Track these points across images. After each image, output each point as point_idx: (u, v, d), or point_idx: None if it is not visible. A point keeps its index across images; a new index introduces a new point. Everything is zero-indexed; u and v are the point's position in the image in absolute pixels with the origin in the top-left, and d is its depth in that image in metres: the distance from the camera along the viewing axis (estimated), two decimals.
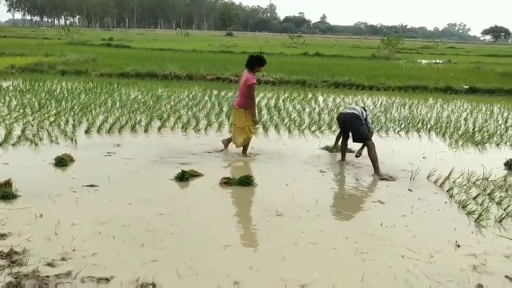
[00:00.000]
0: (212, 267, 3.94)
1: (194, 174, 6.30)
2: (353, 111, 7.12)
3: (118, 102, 11.37)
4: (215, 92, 13.91)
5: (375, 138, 8.88)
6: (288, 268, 4.00)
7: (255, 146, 8.00)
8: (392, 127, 9.91)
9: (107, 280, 3.67)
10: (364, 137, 6.97)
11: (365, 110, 7.32)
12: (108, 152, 7.30)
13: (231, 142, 7.71)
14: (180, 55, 26.35)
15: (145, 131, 8.83)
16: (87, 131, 8.52)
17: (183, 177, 6.11)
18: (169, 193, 5.69)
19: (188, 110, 10.86)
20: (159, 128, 8.99)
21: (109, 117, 9.67)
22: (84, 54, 23.52)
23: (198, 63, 20.77)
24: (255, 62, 7.33)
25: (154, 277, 3.72)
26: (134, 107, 10.82)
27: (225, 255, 4.19)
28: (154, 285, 3.61)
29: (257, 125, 7.97)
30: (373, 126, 7.43)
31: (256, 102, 12.01)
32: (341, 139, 7.47)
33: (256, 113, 7.65)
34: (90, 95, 12.35)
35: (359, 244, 4.49)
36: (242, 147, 7.55)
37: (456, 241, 4.62)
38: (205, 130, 9.11)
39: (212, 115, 10.34)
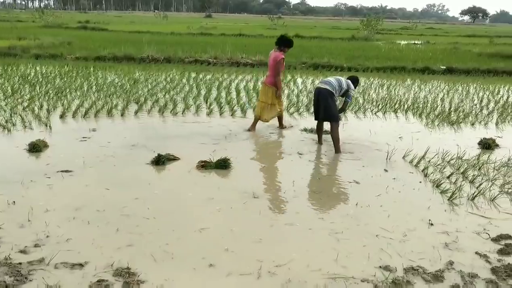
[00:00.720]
0: (187, 251, 3.94)
1: (171, 158, 6.26)
2: (326, 87, 6.80)
3: (94, 86, 11.20)
4: (193, 74, 13.79)
5: (353, 120, 8.97)
6: (264, 249, 4.02)
7: (232, 129, 7.98)
8: (370, 108, 9.98)
9: (81, 265, 3.64)
10: (331, 116, 6.81)
11: (349, 82, 6.99)
12: (83, 137, 7.20)
13: (258, 122, 8.01)
14: (158, 38, 25.94)
15: (122, 115, 8.72)
16: (62, 116, 8.37)
17: (159, 161, 6.07)
18: (145, 177, 5.64)
19: (165, 93, 10.74)
20: (136, 112, 8.88)
21: (84, 101, 9.52)
22: (59, 37, 23.03)
23: (176, 46, 20.49)
24: (285, 42, 7.74)
25: (129, 261, 3.70)
26: (110, 91, 10.66)
27: (201, 238, 4.19)
28: (129, 269, 3.59)
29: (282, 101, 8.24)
30: (351, 102, 7.26)
31: (235, 85, 12.02)
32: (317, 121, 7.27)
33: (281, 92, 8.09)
34: (65, 79, 12.13)
35: (334, 224, 4.53)
36: (279, 123, 8.16)
37: (429, 220, 4.70)
38: (182, 113, 9.04)
39: (190, 98, 10.25)
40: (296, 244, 4.15)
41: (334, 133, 6.77)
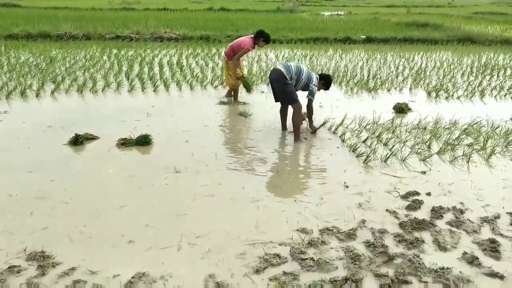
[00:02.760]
0: (106, 229, 3.88)
1: (90, 137, 6.07)
2: (280, 68, 6.21)
3: (6, 66, 10.51)
4: (114, 51, 13.30)
5: None
6: (185, 222, 4.05)
7: (155, 105, 7.85)
8: None
9: None
10: (288, 99, 6.32)
11: (312, 76, 6.32)
12: None
13: (230, 90, 8.37)
14: (77, 14, 24.64)
15: (37, 95, 8.28)
16: None
17: (77, 141, 5.87)
18: (62, 158, 5.44)
19: (85, 71, 10.31)
20: (52, 92, 8.47)
21: None
22: None
23: (96, 22, 19.58)
24: (261, 36, 7.83)
25: (43, 245, 3.59)
26: (24, 71, 10.06)
27: (121, 216, 4.14)
28: (43, 252, 3.49)
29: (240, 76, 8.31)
30: (314, 92, 6.33)
31: (158, 60, 11.75)
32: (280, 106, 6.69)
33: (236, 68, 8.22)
34: None
35: (255, 192, 4.63)
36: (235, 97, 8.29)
37: (345, 182, 4.92)
38: (102, 91, 8.73)
39: (111, 76, 9.91)
40: (217, 214, 4.20)
41: (294, 118, 6.26)
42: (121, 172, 5.09)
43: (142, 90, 8.87)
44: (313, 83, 6.28)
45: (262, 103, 8.14)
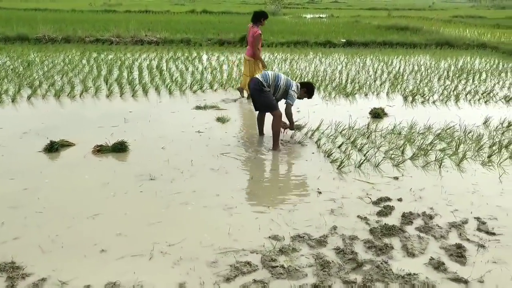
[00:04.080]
0: (79, 239, 3.88)
1: (65, 144, 6.05)
2: (258, 77, 6.26)
3: None
4: (94, 54, 13.24)
5: None
6: (158, 231, 4.06)
7: (133, 110, 7.83)
8: None
9: None
10: (267, 106, 6.30)
11: (290, 83, 6.27)
12: None
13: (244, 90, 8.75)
14: (56, 16, 24.45)
15: (13, 101, 8.21)
16: None
17: (53, 148, 5.84)
18: (36, 166, 5.41)
19: (63, 75, 10.24)
20: (29, 97, 8.41)
21: None
22: None
23: (76, 24, 19.44)
24: (259, 16, 8.45)
25: (14, 255, 3.58)
26: (1, 75, 9.96)
27: (94, 225, 4.14)
28: (13, 263, 3.48)
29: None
30: (293, 99, 6.23)
31: (138, 64, 11.72)
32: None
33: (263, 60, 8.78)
34: None
35: (230, 200, 4.67)
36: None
37: (318, 189, 4.99)
38: (80, 96, 8.69)
39: (89, 80, 9.86)
40: (190, 222, 4.23)
41: (273, 125, 6.21)
42: (96, 180, 5.09)
43: (121, 95, 8.84)
44: (292, 88, 6.24)
45: (240, 108, 8.19)
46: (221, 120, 7.42)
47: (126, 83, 9.64)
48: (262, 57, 8.84)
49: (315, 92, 6.91)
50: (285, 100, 6.31)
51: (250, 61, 8.56)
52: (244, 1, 56.73)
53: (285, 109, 6.30)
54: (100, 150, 5.86)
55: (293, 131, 6.69)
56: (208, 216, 4.36)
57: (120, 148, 5.90)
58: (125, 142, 6.00)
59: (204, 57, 13.61)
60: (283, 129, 6.44)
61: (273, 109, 6.24)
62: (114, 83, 9.58)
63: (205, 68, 11.73)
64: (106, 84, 9.53)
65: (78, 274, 3.41)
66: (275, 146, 6.19)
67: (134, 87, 9.27)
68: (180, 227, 4.14)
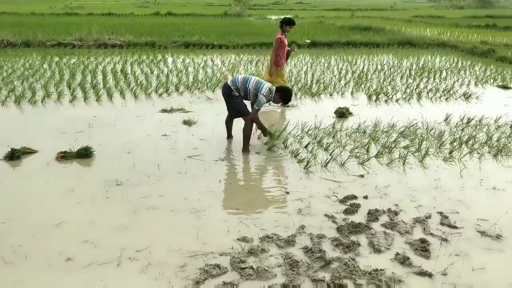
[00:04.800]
0: (43, 248, 3.80)
1: (27, 151, 5.89)
2: (228, 81, 6.21)
3: None
4: (56, 59, 12.93)
5: (213, 95, 9.08)
6: (126, 236, 4.02)
7: (97, 115, 7.70)
8: None
9: None
10: (237, 111, 6.29)
11: (261, 86, 6.05)
12: None
13: None
14: (15, 19, 23.76)
15: None
16: None
17: (14, 156, 5.68)
18: None
19: (23, 81, 9.96)
20: None
21: None
22: None
23: (37, 28, 18.93)
24: (284, 23, 8.64)
25: None
26: None
27: (59, 233, 4.05)
28: None
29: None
30: (260, 104, 6.05)
31: (102, 68, 11.52)
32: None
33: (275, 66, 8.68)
34: None
35: (197, 203, 4.65)
36: None
37: (286, 189, 5.03)
38: (42, 101, 8.47)
39: (51, 85, 9.63)
40: (158, 227, 4.20)
41: (244, 129, 6.15)
42: (60, 187, 4.98)
43: (84, 100, 8.67)
44: (262, 92, 6.00)
45: (207, 111, 8.16)
46: (187, 123, 7.38)
47: (90, 87, 9.47)
48: (275, 65, 8.58)
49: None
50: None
51: (271, 66, 8.59)
52: (209, 3, 56.58)
53: (250, 115, 6.16)
54: (64, 156, 5.74)
55: (266, 137, 6.45)
56: (176, 220, 4.33)
57: (85, 154, 5.79)
58: (90, 148, 5.89)
59: (170, 59, 13.50)
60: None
61: (244, 114, 6.21)
62: (78, 88, 9.39)
63: (170, 70, 11.63)
64: (69, 89, 9.34)
65: (42, 285, 3.33)
66: (245, 149, 6.19)
67: (98, 91, 9.12)
68: (148, 232, 4.10)
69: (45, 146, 6.11)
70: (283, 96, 6.19)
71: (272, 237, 4.03)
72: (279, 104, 7.07)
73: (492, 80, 11.45)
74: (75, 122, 7.30)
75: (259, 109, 6.19)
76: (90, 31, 17.63)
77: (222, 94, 6.31)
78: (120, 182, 5.09)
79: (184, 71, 11.49)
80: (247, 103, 6.38)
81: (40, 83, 9.85)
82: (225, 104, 6.45)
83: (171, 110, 8.07)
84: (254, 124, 6.31)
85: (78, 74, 10.78)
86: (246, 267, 3.56)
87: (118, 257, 3.69)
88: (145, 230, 4.13)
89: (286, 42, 8.66)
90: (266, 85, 6.11)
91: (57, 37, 16.67)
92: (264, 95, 6.03)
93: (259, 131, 6.69)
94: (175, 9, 34.78)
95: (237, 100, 6.18)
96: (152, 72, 11.37)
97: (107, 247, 3.84)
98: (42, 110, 8.04)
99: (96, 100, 8.70)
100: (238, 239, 4.00)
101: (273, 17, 31.75)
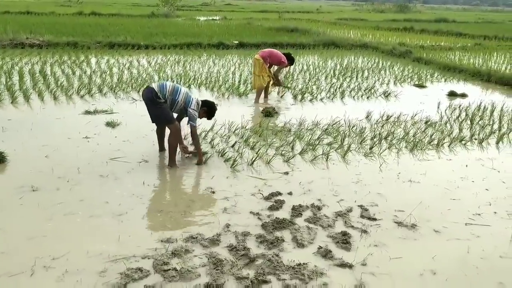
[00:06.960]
0: None
1: None
2: (153, 86, 5.58)
3: None
4: None
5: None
6: (41, 245, 3.80)
7: (12, 118, 7.26)
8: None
9: None
10: (160, 119, 5.67)
11: (190, 100, 5.63)
12: None
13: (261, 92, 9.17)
14: None
15: None
16: None
17: None
18: None
19: None
20: None
21: None
22: None
23: None
24: (290, 59, 9.20)
25: None
26: None
27: None
28: None
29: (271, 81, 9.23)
30: (194, 119, 5.62)
31: (18, 69, 10.89)
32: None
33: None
34: None
35: (119, 207, 4.50)
36: (257, 98, 9.13)
37: (211, 188, 5.00)
38: None
39: None
40: (76, 233, 4.01)
41: (170, 139, 5.65)
42: None
43: None
44: (192, 107, 5.58)
45: (131, 112, 7.94)
46: (111, 124, 7.14)
47: (4, 89, 8.91)
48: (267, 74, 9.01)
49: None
50: (187, 120, 5.73)
51: (259, 60, 8.81)
52: (135, 3, 55.28)
53: (191, 132, 5.68)
54: None
55: (202, 161, 5.81)
56: (96, 225, 4.17)
57: None
58: (3, 153, 5.53)
59: (93, 60, 13.00)
60: (186, 154, 5.96)
61: (169, 122, 5.63)
62: None
63: (93, 71, 11.21)
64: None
65: None
66: (171, 162, 5.63)
67: (14, 93, 8.59)
68: (65, 239, 3.90)
69: None
70: (208, 111, 5.87)
71: (197, 237, 3.98)
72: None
73: (409, 80, 12.07)
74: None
75: (195, 126, 5.66)
76: (5, 29, 16.64)
77: (144, 98, 5.66)
78: (36, 188, 4.82)
79: (108, 72, 11.12)
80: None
81: None
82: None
83: (94, 112, 7.77)
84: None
85: None
86: (169, 269, 3.49)
87: (32, 266, 3.48)
88: (62, 237, 3.93)
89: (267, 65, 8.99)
90: (194, 99, 5.71)
91: None
92: (194, 109, 5.63)
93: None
94: (99, 9, 33.63)
95: (161, 107, 5.55)
96: (74, 73, 10.90)
97: (20, 257, 3.61)
98: None
99: (11, 102, 8.20)
100: (162, 241, 3.91)
101: (202, 18, 31.61)
